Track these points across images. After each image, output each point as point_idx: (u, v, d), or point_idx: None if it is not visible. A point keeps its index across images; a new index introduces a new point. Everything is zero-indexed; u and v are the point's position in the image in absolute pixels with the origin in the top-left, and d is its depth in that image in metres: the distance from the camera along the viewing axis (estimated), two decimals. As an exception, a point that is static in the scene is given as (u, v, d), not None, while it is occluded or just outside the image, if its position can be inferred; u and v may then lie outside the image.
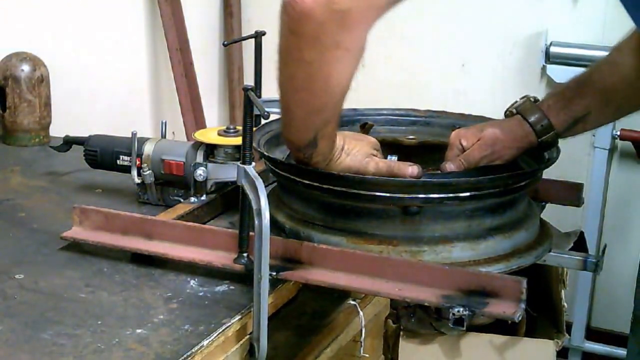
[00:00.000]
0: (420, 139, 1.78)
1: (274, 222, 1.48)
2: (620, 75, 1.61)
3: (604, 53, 1.67)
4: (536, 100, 1.65)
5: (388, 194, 1.43)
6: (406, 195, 1.43)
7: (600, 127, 1.68)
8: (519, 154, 1.64)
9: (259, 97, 1.79)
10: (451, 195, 1.44)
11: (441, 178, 1.57)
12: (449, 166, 1.58)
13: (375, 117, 1.83)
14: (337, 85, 1.30)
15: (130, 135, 1.75)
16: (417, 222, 1.46)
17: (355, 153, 1.49)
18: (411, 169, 1.48)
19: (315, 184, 1.46)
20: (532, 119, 1.61)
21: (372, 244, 1.45)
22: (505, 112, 1.68)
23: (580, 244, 1.75)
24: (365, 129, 1.75)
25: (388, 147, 1.66)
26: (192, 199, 1.72)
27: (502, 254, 1.49)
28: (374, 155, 1.52)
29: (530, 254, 1.52)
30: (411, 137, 1.79)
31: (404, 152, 1.67)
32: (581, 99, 1.61)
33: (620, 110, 1.67)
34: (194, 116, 3.01)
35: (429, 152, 1.72)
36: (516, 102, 1.66)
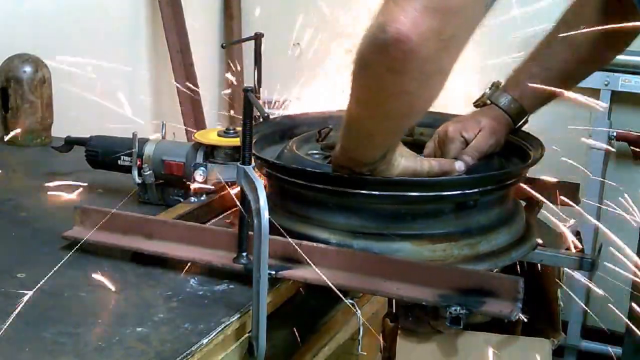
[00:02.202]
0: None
1: (307, 237, 1.47)
2: (578, 53, 1.66)
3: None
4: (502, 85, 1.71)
5: (449, 192, 1.47)
6: (467, 191, 1.48)
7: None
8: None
9: (259, 98, 1.80)
10: (498, 185, 1.53)
11: (493, 172, 1.61)
12: (467, 159, 1.59)
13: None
14: (430, 104, 1.30)
15: (131, 136, 1.76)
16: (470, 216, 1.51)
17: (406, 154, 1.50)
18: (457, 165, 1.53)
19: (374, 192, 1.46)
20: (508, 108, 1.68)
21: (437, 243, 1.47)
22: (476, 102, 1.71)
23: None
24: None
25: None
26: (192, 199, 1.73)
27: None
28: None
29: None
30: None
31: None
32: (546, 85, 1.65)
33: (578, 82, 1.74)
34: (194, 117, 3.02)
35: None
36: (485, 93, 1.72)
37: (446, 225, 1.50)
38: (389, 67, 1.20)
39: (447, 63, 1.22)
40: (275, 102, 2.05)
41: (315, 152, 1.66)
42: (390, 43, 1.16)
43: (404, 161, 1.47)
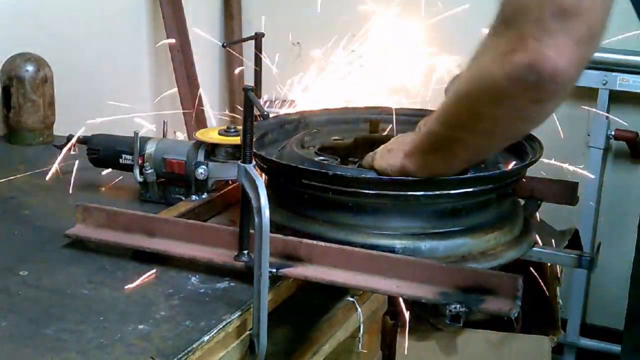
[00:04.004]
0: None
1: (371, 247, 1.46)
2: None
3: (604, 54, 1.70)
4: None
5: (494, 185, 1.53)
6: (507, 182, 1.56)
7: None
8: None
9: (259, 97, 1.81)
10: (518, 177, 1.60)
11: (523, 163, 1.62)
12: None
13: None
14: None
15: (132, 135, 1.77)
16: (503, 206, 1.57)
17: None
18: None
19: (436, 192, 1.47)
20: None
21: (489, 234, 1.51)
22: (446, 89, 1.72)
23: (575, 242, 1.76)
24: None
25: (329, 150, 1.68)
26: (193, 197, 1.74)
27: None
28: None
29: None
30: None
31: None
32: None
33: None
34: (195, 116, 3.03)
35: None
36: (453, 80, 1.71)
37: (492, 215, 1.55)
38: (535, 99, 1.19)
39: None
40: (282, 102, 2.05)
41: (323, 158, 1.64)
42: (547, 80, 1.14)
43: None
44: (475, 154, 1.41)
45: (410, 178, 1.44)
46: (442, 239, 1.48)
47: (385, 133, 1.79)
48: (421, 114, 1.73)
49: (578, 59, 1.14)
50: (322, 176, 1.49)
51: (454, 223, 1.50)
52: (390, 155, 1.47)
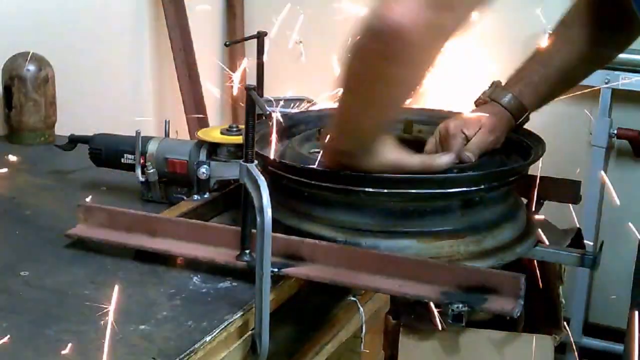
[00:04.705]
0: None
1: (314, 236, 1.48)
2: (578, 52, 1.68)
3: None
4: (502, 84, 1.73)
5: (456, 189, 1.49)
6: (473, 188, 1.50)
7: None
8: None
9: (261, 96, 1.80)
10: (504, 181, 1.55)
11: (500, 168, 1.61)
12: (469, 156, 1.61)
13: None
14: (413, 92, 1.35)
15: (134, 134, 1.77)
16: (476, 212, 1.53)
17: (390, 147, 1.50)
18: (442, 159, 1.53)
19: (383, 190, 1.46)
20: (509, 105, 1.68)
21: (443, 240, 1.49)
22: (477, 100, 1.72)
23: (577, 241, 1.76)
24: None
25: None
26: (195, 196, 1.74)
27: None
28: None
29: None
30: None
31: None
32: (546, 83, 1.69)
33: (578, 82, 1.76)
34: (197, 115, 3.03)
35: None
36: (485, 91, 1.73)
37: (452, 222, 1.51)
38: (382, 54, 1.25)
39: (436, 52, 1.27)
40: (298, 101, 2.04)
41: (316, 150, 1.66)
42: (387, 31, 1.21)
43: (387, 154, 1.48)
44: (355, 120, 1.41)
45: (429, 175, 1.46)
46: (384, 238, 1.49)
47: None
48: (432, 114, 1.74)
49: (424, 20, 1.21)
50: (325, 175, 1.49)
51: (404, 225, 1.50)
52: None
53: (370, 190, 1.46)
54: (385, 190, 1.46)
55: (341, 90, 1.37)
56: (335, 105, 1.44)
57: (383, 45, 1.24)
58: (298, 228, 1.52)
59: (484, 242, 1.52)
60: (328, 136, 1.47)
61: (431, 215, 1.50)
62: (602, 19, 1.64)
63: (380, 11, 1.22)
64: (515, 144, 1.71)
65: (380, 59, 1.26)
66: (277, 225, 1.35)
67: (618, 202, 1.76)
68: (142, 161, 1.77)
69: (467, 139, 1.63)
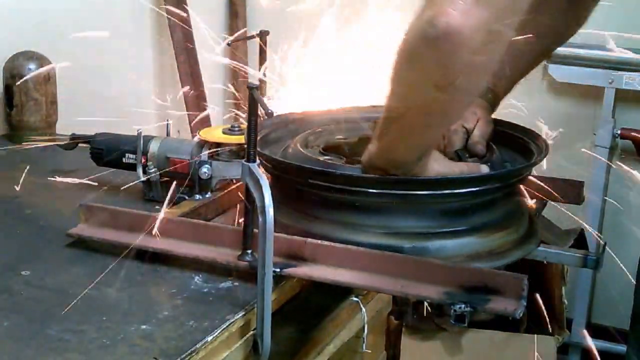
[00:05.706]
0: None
1: (379, 247, 1.44)
2: (541, 33, 1.66)
3: (605, 53, 1.69)
4: None
5: (500, 184, 1.52)
6: (509, 181, 1.55)
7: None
8: None
9: (263, 95, 1.80)
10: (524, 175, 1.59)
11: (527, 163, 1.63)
12: (480, 148, 1.62)
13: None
14: (473, 99, 1.36)
15: (135, 134, 1.77)
16: (508, 204, 1.56)
17: (439, 159, 1.50)
18: (484, 168, 1.54)
19: (444, 191, 1.46)
20: (486, 97, 1.69)
21: (496, 233, 1.51)
22: None
23: (580, 242, 1.76)
24: None
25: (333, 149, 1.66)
26: (197, 196, 1.73)
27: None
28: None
29: None
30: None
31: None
32: (516, 64, 1.69)
33: (544, 57, 1.81)
34: (199, 115, 3.03)
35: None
36: None
37: (498, 214, 1.53)
38: (438, 61, 1.20)
39: (493, 56, 1.24)
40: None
41: (330, 157, 1.63)
42: (441, 36, 1.16)
43: (437, 166, 1.46)
44: (410, 130, 1.38)
45: (415, 178, 1.43)
46: (447, 238, 1.47)
47: None
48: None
49: (476, 21, 1.16)
50: (327, 175, 1.48)
51: (460, 222, 1.49)
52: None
53: (426, 193, 1.46)
54: (448, 192, 1.47)
55: (392, 97, 1.33)
56: (385, 115, 1.38)
57: (438, 51, 1.19)
58: (357, 241, 1.45)
59: (520, 230, 1.55)
60: (374, 145, 1.44)
61: (481, 210, 1.52)
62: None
63: (432, 15, 1.17)
64: (518, 144, 1.71)
65: (436, 66, 1.21)
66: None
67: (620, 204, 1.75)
68: (143, 160, 1.77)
69: (468, 133, 1.64)
